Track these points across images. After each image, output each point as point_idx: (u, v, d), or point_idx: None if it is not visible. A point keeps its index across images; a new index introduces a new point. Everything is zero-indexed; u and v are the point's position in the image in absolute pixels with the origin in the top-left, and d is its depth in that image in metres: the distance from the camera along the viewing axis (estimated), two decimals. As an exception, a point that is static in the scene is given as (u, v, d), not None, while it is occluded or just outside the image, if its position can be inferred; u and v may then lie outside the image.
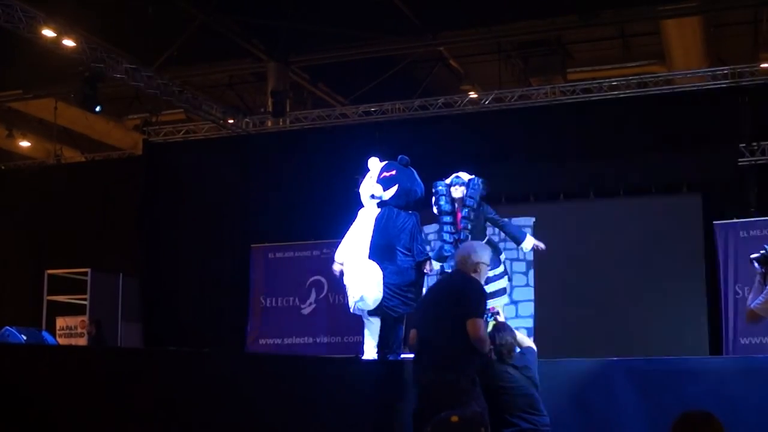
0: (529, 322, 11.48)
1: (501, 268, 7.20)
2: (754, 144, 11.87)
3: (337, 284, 12.48)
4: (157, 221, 14.60)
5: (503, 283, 7.20)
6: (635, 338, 11.40)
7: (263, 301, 13.13)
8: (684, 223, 11.88)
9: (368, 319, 6.95)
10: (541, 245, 7.44)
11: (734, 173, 11.86)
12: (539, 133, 12.77)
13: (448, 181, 7.29)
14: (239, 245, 13.62)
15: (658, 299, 11.70)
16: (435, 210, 7.30)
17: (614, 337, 11.44)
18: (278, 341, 12.86)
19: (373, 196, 6.90)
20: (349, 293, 6.87)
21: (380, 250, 6.79)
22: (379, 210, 6.94)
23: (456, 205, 7.20)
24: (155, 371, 3.52)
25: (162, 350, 5.16)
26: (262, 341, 12.90)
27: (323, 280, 12.79)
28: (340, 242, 7.21)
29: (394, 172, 7.00)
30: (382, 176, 6.97)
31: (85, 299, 13.63)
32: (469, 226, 7.11)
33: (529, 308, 11.62)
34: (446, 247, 7.17)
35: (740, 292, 10.95)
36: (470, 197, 7.13)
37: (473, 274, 5.56)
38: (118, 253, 14.70)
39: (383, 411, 5.38)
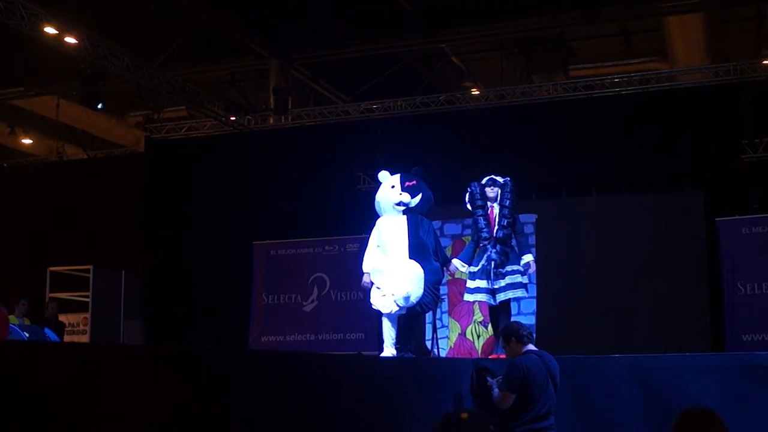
0: (531, 320, 11.48)
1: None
2: (757, 140, 11.84)
3: (339, 281, 12.61)
4: (159, 218, 14.61)
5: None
6: (637, 335, 11.40)
7: (265, 298, 13.13)
8: (686, 219, 11.86)
9: (391, 317, 7.12)
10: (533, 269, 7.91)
11: (736, 170, 11.85)
12: (541, 130, 12.76)
13: (483, 182, 7.87)
14: (241, 242, 13.62)
15: (660, 296, 11.70)
16: (469, 207, 7.92)
17: (616, 333, 11.44)
18: (280, 338, 12.86)
19: (401, 203, 7.24)
20: (386, 292, 7.04)
21: (418, 251, 7.14)
22: (405, 216, 7.27)
23: (489, 203, 7.80)
24: (157, 369, 3.52)
25: (164, 347, 5.16)
26: (264, 338, 12.90)
27: (325, 277, 12.80)
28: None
29: (414, 182, 7.37)
30: (406, 185, 7.34)
31: (87, 296, 13.62)
32: (505, 222, 7.70)
33: (531, 305, 11.62)
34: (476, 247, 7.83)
35: (742, 289, 10.95)
36: (507, 198, 7.74)
37: None
38: (121, 250, 14.69)
39: (390, 409, 5.37)
